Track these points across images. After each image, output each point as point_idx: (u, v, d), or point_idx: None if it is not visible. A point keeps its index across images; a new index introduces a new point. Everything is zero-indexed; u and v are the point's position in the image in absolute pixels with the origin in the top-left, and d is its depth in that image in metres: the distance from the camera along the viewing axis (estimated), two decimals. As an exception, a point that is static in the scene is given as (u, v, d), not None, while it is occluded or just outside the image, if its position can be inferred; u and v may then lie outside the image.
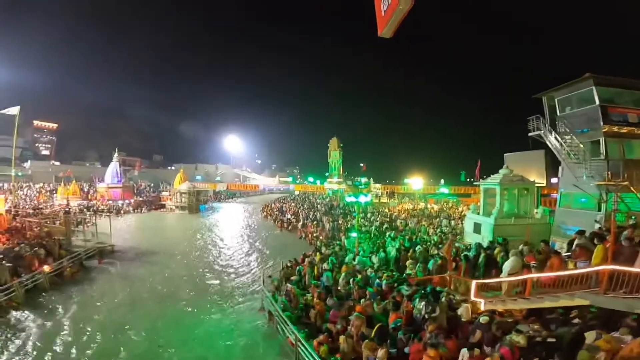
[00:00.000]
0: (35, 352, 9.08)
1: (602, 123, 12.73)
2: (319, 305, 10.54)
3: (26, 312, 11.54)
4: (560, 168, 15.46)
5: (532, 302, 7.40)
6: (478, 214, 17.48)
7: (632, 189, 11.26)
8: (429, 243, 19.47)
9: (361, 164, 69.78)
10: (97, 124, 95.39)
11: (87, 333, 10.24)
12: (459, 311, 8.19)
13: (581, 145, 13.41)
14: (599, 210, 12.54)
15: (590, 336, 5.44)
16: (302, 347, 8.25)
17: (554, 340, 5.98)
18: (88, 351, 9.29)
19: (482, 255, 11.01)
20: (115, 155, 46.33)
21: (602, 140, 12.96)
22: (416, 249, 16.71)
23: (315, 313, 10.29)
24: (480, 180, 18.81)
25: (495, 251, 11.45)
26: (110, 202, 42.12)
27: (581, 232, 8.60)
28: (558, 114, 14.96)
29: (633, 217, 10.98)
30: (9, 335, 9.84)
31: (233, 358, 9.20)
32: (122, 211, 39.68)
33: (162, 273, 16.92)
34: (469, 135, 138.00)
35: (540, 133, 14.82)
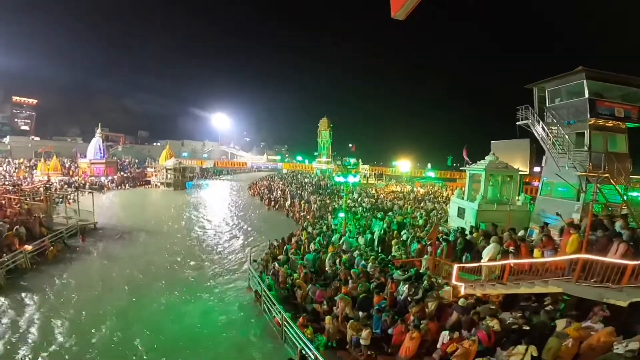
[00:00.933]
0: (14, 337, 8.85)
1: (589, 115, 12.97)
2: (304, 286, 10.79)
3: (7, 294, 11.15)
4: (544, 157, 15.83)
5: (509, 288, 7.75)
6: (463, 198, 17.85)
7: (612, 180, 11.66)
8: (415, 226, 19.89)
9: (350, 145, 69.83)
10: (80, 100, 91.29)
11: (69, 316, 10.09)
12: (441, 294, 8.52)
13: (566, 136, 13.71)
14: (578, 200, 12.99)
15: (560, 324, 5.78)
16: (288, 327, 8.46)
17: (527, 327, 6.33)
18: (70, 334, 9.18)
19: (460, 239, 11.45)
20: (98, 130, 44.68)
21: (587, 132, 13.25)
22: (402, 232, 17.16)
23: (301, 293, 10.54)
24: (467, 165, 19.08)
25: (474, 235, 11.88)
26: (93, 178, 41.00)
27: (546, 224, 9.03)
28: (547, 104, 15.14)
29: (610, 209, 11.49)
30: None
31: (219, 337, 9.35)
32: (105, 188, 38.70)
33: (147, 252, 16.81)
34: (457, 121, 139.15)
35: (528, 122, 15.04)
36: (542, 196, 15.34)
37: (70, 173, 43.85)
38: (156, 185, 43.72)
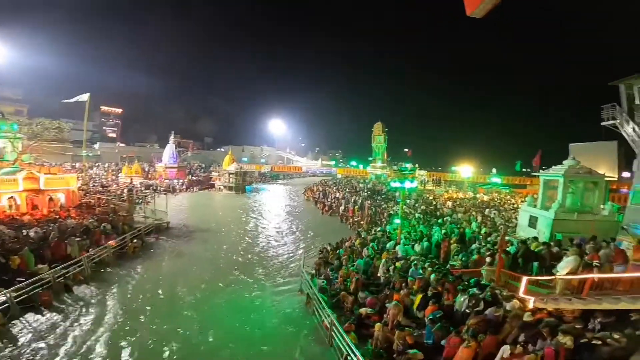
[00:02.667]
0: (96, 323, 9.89)
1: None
2: (346, 296, 10.67)
3: (92, 284, 12.59)
4: (635, 161, 13.77)
5: (588, 303, 6.85)
6: (535, 206, 16.25)
7: None
8: (479, 233, 18.54)
9: (406, 150, 67.96)
10: (156, 109, 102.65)
11: (143, 306, 11.16)
12: (508, 307, 7.81)
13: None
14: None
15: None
16: (336, 332, 8.41)
17: (599, 342, 5.55)
18: (145, 322, 10.14)
19: (522, 248, 10.52)
20: (172, 137, 49.31)
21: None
22: (455, 235, 16.13)
23: (352, 299, 10.45)
24: (540, 170, 17.31)
25: (533, 245, 10.96)
26: (167, 181, 45.11)
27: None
28: (637, 102, 13.20)
29: None
30: (76, 309, 10.71)
31: (269, 337, 9.60)
32: (177, 190, 42.28)
33: (211, 250, 18.10)
34: (528, 122, 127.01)
35: (616, 122, 13.26)
36: (634, 205, 13.34)
37: (149, 176, 49.08)
38: (220, 188, 46.64)
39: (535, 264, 10.56)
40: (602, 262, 8.36)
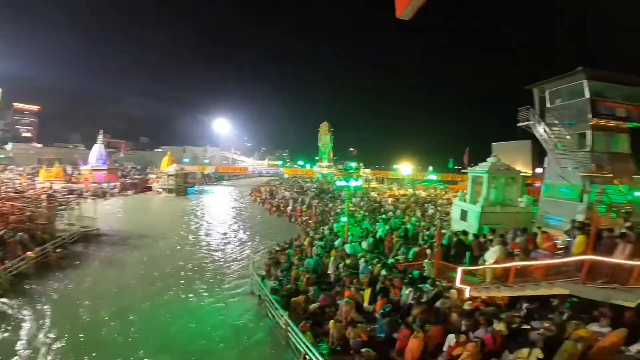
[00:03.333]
0: (17, 342, 8.83)
1: (590, 116, 12.95)
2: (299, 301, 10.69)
3: (11, 298, 11.26)
4: (546, 158, 15.80)
5: (514, 290, 7.67)
6: (465, 201, 17.78)
7: (615, 181, 11.60)
8: (421, 227, 19.75)
9: (351, 149, 70.07)
10: (81, 107, 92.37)
11: (71, 320, 10.10)
12: (445, 296, 8.42)
13: (568, 137, 13.70)
14: (581, 201, 12.91)
15: (570, 327, 5.71)
16: (292, 331, 8.38)
17: (529, 327, 6.26)
18: (73, 337, 9.18)
19: (454, 240, 11.49)
20: (100, 137, 44.78)
21: (588, 132, 13.23)
22: (401, 232, 17.07)
23: (305, 298, 10.46)
24: (469, 168, 19.04)
25: (463, 237, 11.90)
26: (95, 184, 41.13)
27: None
28: (548, 105, 15.14)
29: (614, 209, 11.41)
30: None
31: (223, 342, 9.29)
32: (107, 194, 38.77)
33: (150, 258, 16.77)
34: (459, 123, 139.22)
35: (529, 124, 15.02)
36: (545, 197, 15.27)
37: (73, 180, 44.03)
38: (158, 191, 43.80)
39: (468, 254, 11.53)
40: (521, 250, 9.40)
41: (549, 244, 8.03)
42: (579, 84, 13.38)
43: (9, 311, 10.45)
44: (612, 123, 13.16)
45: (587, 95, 13.06)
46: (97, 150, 43.89)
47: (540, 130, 14.66)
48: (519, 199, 16.29)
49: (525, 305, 7.45)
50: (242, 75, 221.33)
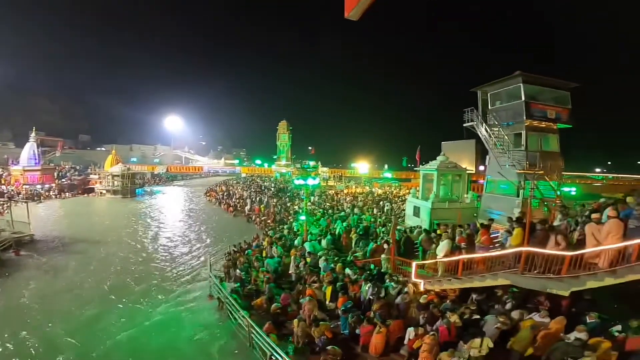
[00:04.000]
0: None
1: (525, 117, 14.25)
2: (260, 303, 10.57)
3: None
4: (487, 157, 17.10)
5: (463, 282, 8.22)
6: (417, 198, 18.68)
7: (546, 177, 12.90)
8: (378, 224, 20.36)
9: (310, 148, 70.05)
10: (11, 100, 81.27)
11: (9, 336, 9.14)
12: (404, 291, 8.76)
13: (506, 137, 14.95)
14: (518, 196, 14.20)
15: (515, 315, 6.28)
16: (255, 333, 8.25)
17: (478, 317, 6.77)
18: (14, 354, 8.33)
19: (404, 237, 12.13)
20: (32, 134, 40.33)
21: (523, 133, 14.55)
22: (360, 230, 17.49)
23: (266, 298, 10.32)
24: (421, 166, 20.04)
25: (414, 233, 12.62)
26: (27, 186, 37.08)
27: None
28: (489, 107, 16.38)
29: (545, 203, 12.68)
30: None
31: (184, 348, 8.93)
32: (41, 197, 35.32)
33: (93, 264, 15.51)
34: (413, 122, 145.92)
35: (474, 124, 16.15)
36: (487, 193, 16.53)
37: (2, 181, 39.17)
38: (101, 192, 40.62)
39: (421, 249, 12.13)
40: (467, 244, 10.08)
41: (486, 237, 8.68)
42: (516, 87, 14.63)
43: None
44: (543, 124, 14.60)
45: (523, 97, 14.34)
46: (29, 148, 39.48)
47: (482, 130, 15.82)
48: (465, 195, 17.47)
49: (474, 296, 8.00)
50: (196, 71, 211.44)
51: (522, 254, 7.07)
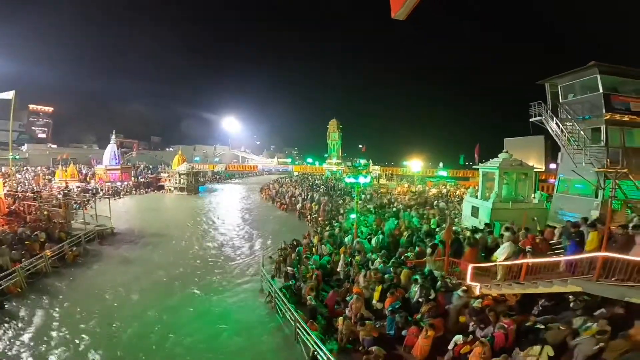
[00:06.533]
0: (35, 340, 9.06)
1: (604, 111, 12.68)
2: (315, 288, 10.81)
3: (28, 297, 11.54)
4: (559, 154, 15.54)
5: (526, 287, 7.61)
6: (476, 197, 17.62)
7: (630, 176, 11.34)
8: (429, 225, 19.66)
9: (360, 145, 69.66)
10: (94, 107, 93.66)
11: (89, 318, 10.36)
12: (457, 294, 8.40)
13: (582, 132, 13.43)
14: (596, 197, 12.68)
15: (577, 322, 5.67)
16: (301, 329, 8.49)
17: (542, 326, 6.22)
18: (91, 336, 9.42)
19: (465, 238, 11.40)
20: (113, 137, 45.59)
21: (603, 127, 12.95)
22: (413, 231, 17.00)
23: (314, 295, 10.56)
24: (479, 163, 18.84)
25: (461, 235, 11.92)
26: (109, 184, 41.96)
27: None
28: (560, 100, 14.88)
29: (629, 205, 11.16)
30: (10, 323, 9.78)
31: (234, 339, 9.47)
32: (121, 193, 39.58)
33: (163, 255, 17.10)
34: (470, 118, 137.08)
35: (542, 119, 14.79)
36: (559, 193, 15.04)
37: (88, 179, 45.03)
38: (170, 190, 44.44)
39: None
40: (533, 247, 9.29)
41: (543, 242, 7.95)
42: (592, 79, 13.12)
43: (27, 310, 10.68)
44: (626, 118, 12.86)
45: (601, 89, 12.80)
46: (111, 150, 44.71)
47: (553, 125, 14.44)
48: (532, 195, 16.07)
49: (541, 302, 7.36)
50: (250, 74, 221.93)
51: (599, 259, 6.34)
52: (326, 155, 66.52)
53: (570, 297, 6.94)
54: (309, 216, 26.77)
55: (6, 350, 8.54)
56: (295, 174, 64.30)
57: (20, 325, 9.76)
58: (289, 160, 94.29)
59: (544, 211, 15.16)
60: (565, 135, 13.83)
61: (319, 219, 25.26)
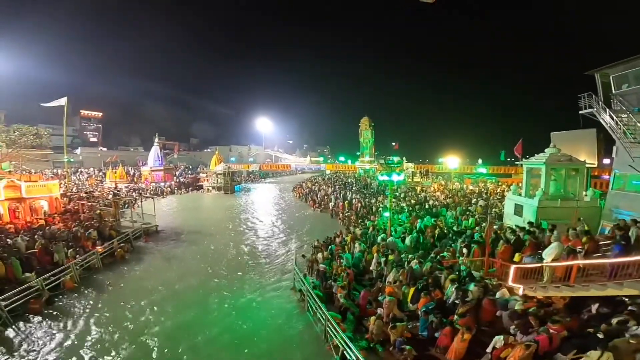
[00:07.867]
0: (89, 333, 9.74)
1: (665, 100, 11.47)
2: (347, 286, 10.81)
3: (82, 291, 12.51)
4: (614, 148, 14.27)
5: (576, 290, 7.11)
6: (520, 195, 16.68)
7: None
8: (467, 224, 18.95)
9: (393, 143, 68.49)
10: (138, 111, 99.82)
11: (136, 310, 11.15)
12: (513, 299, 7.96)
13: (638, 124, 12.26)
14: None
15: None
16: (331, 327, 8.51)
17: (591, 330, 5.78)
18: (136, 326, 10.13)
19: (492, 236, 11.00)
20: (156, 139, 48.26)
21: (663, 118, 11.73)
22: (448, 230, 16.46)
23: (346, 293, 10.57)
24: (523, 159, 17.75)
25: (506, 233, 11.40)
26: (154, 184, 44.34)
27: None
28: (613, 91, 13.67)
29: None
30: (66, 316, 10.62)
31: (266, 335, 9.71)
32: (164, 193, 41.74)
33: (202, 252, 17.94)
34: (511, 113, 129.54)
35: (593, 111, 13.69)
36: (614, 190, 13.85)
37: (135, 180, 48.15)
38: (208, 189, 46.21)
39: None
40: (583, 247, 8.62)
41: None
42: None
43: (80, 303, 11.57)
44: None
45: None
46: (154, 152, 47.36)
47: (606, 117, 13.31)
48: (584, 193, 14.92)
49: (595, 307, 6.80)
50: (283, 74, 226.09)
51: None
52: (358, 153, 66.14)
53: (629, 300, 6.37)
54: (341, 214, 26.77)
55: (60, 338, 9.36)
56: (328, 172, 64.50)
57: (75, 317, 10.63)
58: (321, 159, 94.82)
59: (598, 209, 14.04)
60: (620, 128, 12.68)
61: (352, 217, 25.18)
